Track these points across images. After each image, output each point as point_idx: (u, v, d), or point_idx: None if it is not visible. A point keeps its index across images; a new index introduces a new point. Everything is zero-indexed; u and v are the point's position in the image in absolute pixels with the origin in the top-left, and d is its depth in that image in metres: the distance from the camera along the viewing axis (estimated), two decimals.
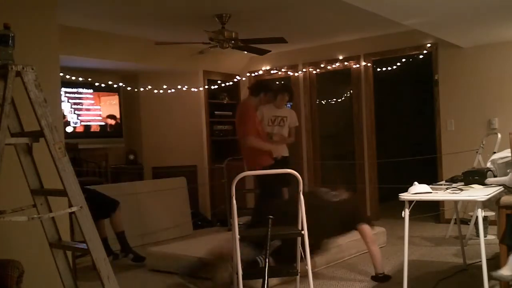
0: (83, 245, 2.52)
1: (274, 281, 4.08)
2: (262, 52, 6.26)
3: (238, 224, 3.48)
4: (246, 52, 6.45)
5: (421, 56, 6.75)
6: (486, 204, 3.72)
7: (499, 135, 5.36)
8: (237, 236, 3.54)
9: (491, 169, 3.86)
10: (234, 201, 3.56)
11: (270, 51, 6.38)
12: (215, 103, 7.84)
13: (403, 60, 6.88)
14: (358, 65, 7.15)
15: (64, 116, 6.74)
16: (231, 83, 7.99)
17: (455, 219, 4.78)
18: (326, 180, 7.69)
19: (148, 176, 7.69)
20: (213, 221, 7.09)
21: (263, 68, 7.95)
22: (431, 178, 4.70)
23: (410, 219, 3.47)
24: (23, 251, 3.17)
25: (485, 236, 3.65)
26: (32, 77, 2.39)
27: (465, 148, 5.97)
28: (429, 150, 6.76)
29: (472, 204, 5.44)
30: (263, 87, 5.53)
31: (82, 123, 7.26)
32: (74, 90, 7.12)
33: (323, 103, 8.43)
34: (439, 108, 6.62)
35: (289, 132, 6.03)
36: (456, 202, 4.57)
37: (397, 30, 6.40)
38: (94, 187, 5.71)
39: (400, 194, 3.51)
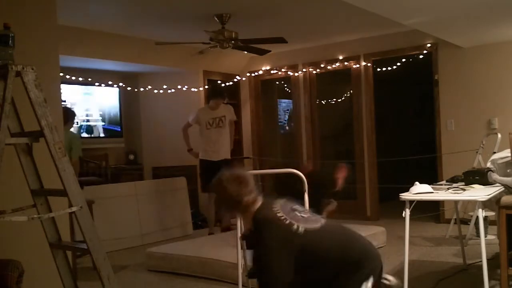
0: (83, 245, 2.52)
1: None
2: (262, 52, 6.25)
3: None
4: (246, 52, 6.45)
5: (421, 56, 6.74)
6: (486, 204, 3.72)
7: (499, 135, 5.36)
8: (239, 235, 3.55)
9: (491, 169, 3.85)
10: None
11: (270, 51, 6.38)
12: None
13: (403, 60, 6.88)
14: (358, 65, 7.15)
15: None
16: (231, 83, 7.99)
17: (455, 219, 4.78)
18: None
19: (148, 176, 7.69)
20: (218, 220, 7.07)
21: (263, 68, 7.95)
22: (431, 178, 4.70)
23: (410, 219, 3.47)
24: (23, 251, 3.17)
25: (485, 236, 3.64)
26: (32, 77, 2.39)
27: (465, 148, 5.96)
28: (429, 150, 6.76)
29: (472, 204, 5.44)
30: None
31: (82, 123, 7.26)
32: (74, 90, 7.13)
33: (323, 103, 8.43)
34: (439, 108, 6.61)
35: (230, 128, 6.30)
36: (456, 202, 4.57)
37: (397, 30, 6.40)
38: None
39: (401, 194, 3.51)
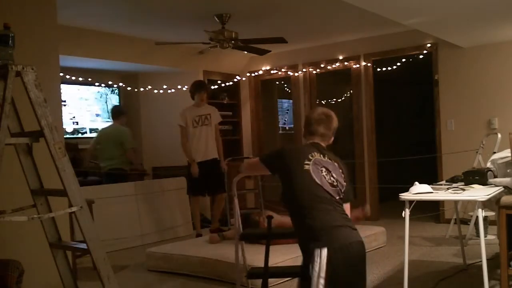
0: (83, 245, 2.52)
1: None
2: (262, 52, 6.26)
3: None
4: (246, 52, 6.45)
5: (421, 56, 6.74)
6: (486, 204, 3.72)
7: (499, 135, 5.36)
8: (238, 236, 3.55)
9: (491, 169, 3.85)
10: (236, 201, 3.57)
11: (270, 51, 6.38)
12: (215, 103, 7.82)
13: (403, 60, 6.88)
14: (358, 65, 7.15)
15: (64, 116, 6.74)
16: (231, 83, 7.99)
17: (455, 219, 4.78)
18: None
19: (148, 176, 7.68)
20: (210, 221, 7.07)
21: (263, 68, 7.95)
22: (431, 178, 4.70)
23: (410, 219, 3.47)
24: (23, 251, 3.17)
25: (485, 236, 3.64)
26: (32, 77, 2.39)
27: (465, 148, 5.96)
28: (429, 150, 6.76)
29: (472, 204, 5.45)
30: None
31: (82, 123, 7.26)
32: (74, 90, 7.13)
33: (323, 103, 8.43)
34: (439, 108, 6.61)
35: (216, 132, 6.12)
36: (456, 202, 4.57)
37: (397, 30, 6.40)
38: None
39: (400, 194, 3.51)
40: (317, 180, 2.45)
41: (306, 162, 2.48)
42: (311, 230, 2.39)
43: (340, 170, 2.56)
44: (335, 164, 2.57)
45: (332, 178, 2.49)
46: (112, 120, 6.55)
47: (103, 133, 6.54)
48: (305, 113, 7.61)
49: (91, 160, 6.56)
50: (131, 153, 6.35)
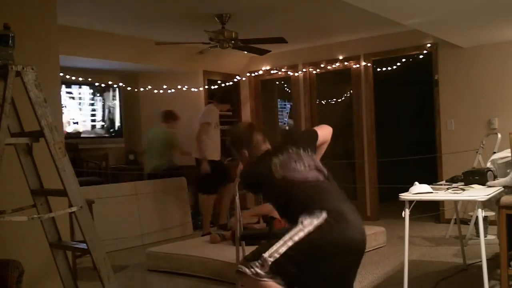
0: (83, 245, 2.52)
1: None
2: (262, 52, 6.26)
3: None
4: (246, 52, 6.46)
5: (421, 56, 6.74)
6: (486, 204, 3.72)
7: (499, 135, 5.36)
8: (238, 236, 3.55)
9: (491, 169, 3.85)
10: (238, 201, 3.57)
11: (270, 51, 6.39)
12: None
13: (403, 60, 6.88)
14: (358, 65, 7.15)
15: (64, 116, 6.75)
16: (231, 83, 7.99)
17: (455, 219, 4.78)
18: None
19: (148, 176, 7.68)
20: (213, 221, 7.07)
21: (263, 68, 7.95)
22: (431, 178, 4.70)
23: (410, 219, 3.47)
24: (23, 251, 3.17)
25: (485, 236, 3.64)
26: (32, 77, 2.40)
27: (465, 148, 5.97)
28: (429, 150, 6.76)
29: (472, 204, 5.45)
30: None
31: (82, 123, 7.27)
32: (74, 90, 7.13)
33: (323, 103, 8.43)
34: (439, 108, 6.61)
35: None
36: (456, 202, 4.57)
37: (397, 30, 6.40)
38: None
39: (400, 194, 3.51)
40: (299, 177, 2.47)
41: (278, 172, 2.50)
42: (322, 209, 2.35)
43: (303, 152, 2.60)
44: (295, 151, 2.60)
45: (305, 163, 2.54)
46: (162, 122, 6.80)
47: (151, 134, 6.81)
48: (305, 113, 7.62)
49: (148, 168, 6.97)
50: (178, 153, 6.82)
